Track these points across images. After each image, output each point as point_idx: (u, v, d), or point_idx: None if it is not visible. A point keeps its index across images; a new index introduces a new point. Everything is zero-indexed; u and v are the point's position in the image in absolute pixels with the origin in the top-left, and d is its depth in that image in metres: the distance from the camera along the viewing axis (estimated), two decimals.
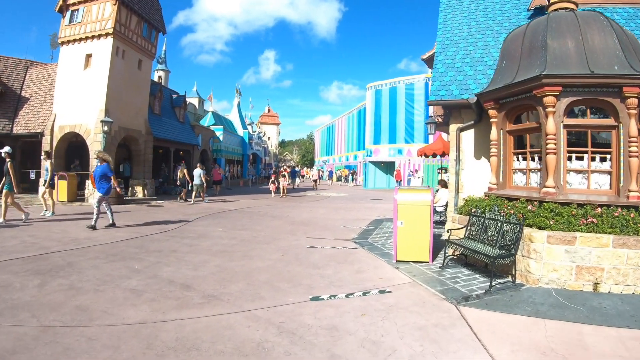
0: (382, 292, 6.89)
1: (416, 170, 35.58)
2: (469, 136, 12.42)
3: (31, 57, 28.47)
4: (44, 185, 15.09)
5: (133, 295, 6.35)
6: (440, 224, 13.98)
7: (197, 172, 23.10)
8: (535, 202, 8.23)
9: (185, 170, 23.84)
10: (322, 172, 53.38)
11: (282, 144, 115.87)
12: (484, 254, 7.56)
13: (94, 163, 21.09)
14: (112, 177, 13.19)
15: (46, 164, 15.12)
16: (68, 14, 22.54)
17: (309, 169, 68.25)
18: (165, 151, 31.33)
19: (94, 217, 12.51)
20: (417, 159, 37.00)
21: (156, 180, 27.89)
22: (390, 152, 39.46)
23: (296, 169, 53.72)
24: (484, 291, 7.02)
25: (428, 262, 9.01)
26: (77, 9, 22.32)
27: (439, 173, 37.39)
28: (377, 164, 41.59)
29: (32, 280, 6.92)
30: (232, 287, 6.86)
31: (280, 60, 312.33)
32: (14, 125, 24.06)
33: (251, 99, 66.85)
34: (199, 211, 18.08)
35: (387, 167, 42.01)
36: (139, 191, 24.56)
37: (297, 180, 44.68)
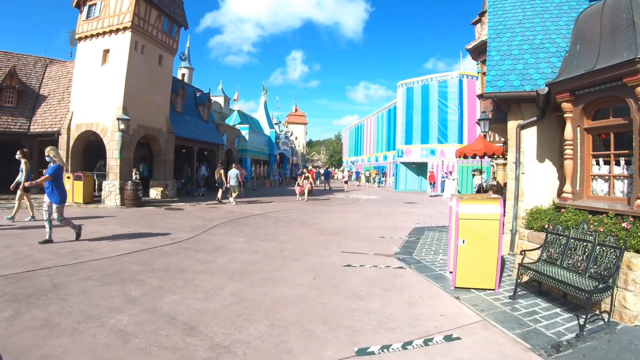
0: (448, 338, 5.10)
1: (450, 172, 33.51)
2: (530, 135, 10.68)
3: (52, 56, 27.61)
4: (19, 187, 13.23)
5: (118, 341, 4.66)
6: None
7: (234, 172, 22.44)
8: (630, 218, 6.37)
9: (222, 171, 23.24)
10: (351, 172, 51.45)
11: (310, 144, 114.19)
12: (574, 287, 5.72)
13: (111, 163, 19.83)
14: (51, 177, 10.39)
15: (21, 164, 13.17)
16: (85, 8, 21.27)
17: (338, 170, 66.42)
18: (189, 151, 29.96)
19: (72, 230, 10.85)
20: (451, 160, 34.93)
21: (178, 181, 26.49)
22: (423, 152, 37.38)
23: (329, 170, 52.00)
24: (574, 335, 5.28)
25: (494, 290, 7.18)
26: (95, 3, 21.03)
27: (473, 175, 35.41)
28: (408, 164, 39.59)
29: (4, 310, 5.42)
30: (250, 331, 5.11)
31: (307, 60, 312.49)
32: (31, 124, 22.97)
33: (278, 98, 65.25)
34: (220, 216, 16.50)
35: (419, 168, 39.92)
36: (159, 192, 23.17)
37: (327, 183, 43.41)
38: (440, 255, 10.08)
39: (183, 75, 42.36)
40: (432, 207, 23.03)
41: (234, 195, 22.09)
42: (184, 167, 29.62)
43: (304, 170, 24.78)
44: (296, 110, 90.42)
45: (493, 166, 38.05)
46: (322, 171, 54.36)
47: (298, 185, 25.02)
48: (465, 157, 22.59)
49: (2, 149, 25.16)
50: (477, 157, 22.97)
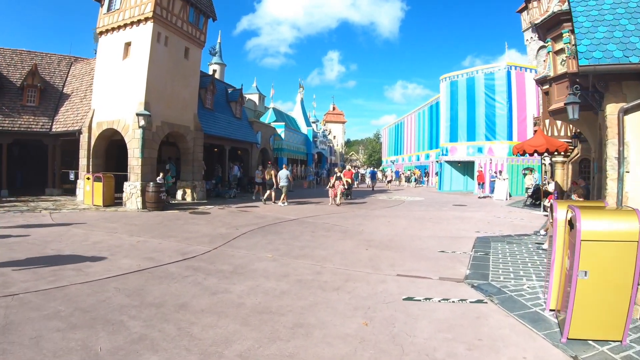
0: None
1: (500, 172, 30.54)
2: (636, 122, 8.12)
3: (78, 54, 26.28)
4: None
5: None
6: None
7: (284, 173, 21.57)
8: None
9: (273, 172, 22.01)
10: (392, 172, 48.77)
11: (348, 144, 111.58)
12: None
13: (132, 163, 18.01)
14: None
15: None
16: (106, 1, 19.57)
17: (378, 170, 63.73)
18: (220, 150, 28.02)
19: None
20: (500, 158, 31.95)
21: (208, 182, 24.54)
22: (469, 150, 34.31)
23: (375, 170, 49.32)
24: None
25: (620, 342, 4.77)
26: None
27: (524, 175, 32.37)
28: (453, 163, 36.56)
29: None
30: None
31: (344, 60, 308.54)
32: (54, 123, 21.53)
33: (315, 96, 62.78)
34: (249, 221, 14.29)
35: (465, 167, 36.89)
36: (187, 194, 21.24)
37: (372, 182, 40.85)
38: (524, 280, 7.59)
39: (214, 71, 40.48)
40: (486, 210, 20.31)
41: (283, 196, 20.87)
42: (215, 167, 27.72)
43: (336, 170, 22.14)
44: (334, 108, 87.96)
45: (545, 164, 35.02)
46: (362, 171, 52.01)
47: (330, 187, 22.09)
48: (526, 154, 19.91)
49: (25, 149, 23.87)
50: (536, 154, 20.31)
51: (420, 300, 6.31)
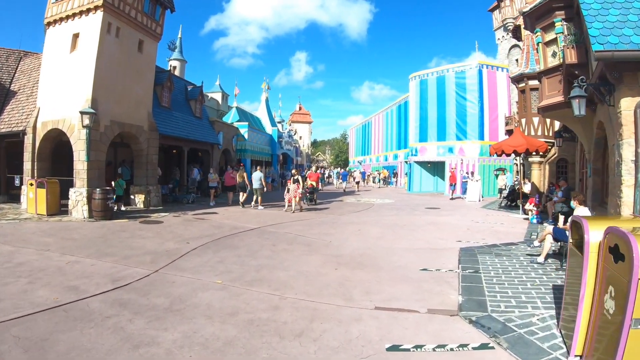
0: None
1: (472, 172, 29.50)
2: None
3: (30, 48, 24.06)
4: None
5: None
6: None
7: (257, 175, 20.90)
8: None
9: (245, 174, 21.41)
10: (359, 173, 47.35)
11: (315, 144, 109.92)
12: None
13: (78, 167, 16.10)
14: None
15: None
16: None
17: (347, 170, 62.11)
18: (178, 151, 26.07)
19: None
20: (472, 158, 30.93)
21: (164, 186, 22.59)
22: (439, 150, 33.14)
23: (346, 171, 47.84)
24: None
25: None
26: None
27: (496, 175, 31.44)
28: (423, 164, 35.36)
29: None
30: None
31: (312, 61, 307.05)
32: None
33: (280, 95, 60.30)
34: (203, 232, 12.58)
35: (435, 168, 35.77)
36: (141, 200, 19.32)
37: (344, 184, 40.29)
38: (529, 308, 6.21)
39: (174, 68, 38.45)
40: (461, 214, 19.04)
41: (258, 199, 20.40)
42: (173, 170, 25.74)
43: (293, 171, 20.21)
44: (300, 108, 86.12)
45: (517, 165, 34.18)
46: (329, 172, 50.64)
47: (287, 192, 19.59)
48: (504, 154, 18.76)
49: None
50: (512, 155, 19.20)
51: (409, 349, 4.79)
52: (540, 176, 20.63)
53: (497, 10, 36.92)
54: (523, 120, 21.69)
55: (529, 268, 8.78)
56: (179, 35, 41.63)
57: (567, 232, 9.14)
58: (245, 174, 21.61)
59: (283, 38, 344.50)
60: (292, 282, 7.48)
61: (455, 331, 5.40)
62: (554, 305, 6.28)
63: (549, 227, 9.51)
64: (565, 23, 11.04)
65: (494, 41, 38.88)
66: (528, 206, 16.65)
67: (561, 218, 9.98)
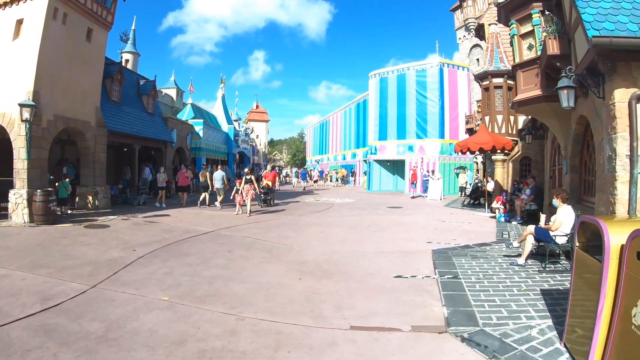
0: None
1: (432, 171, 28.97)
2: None
3: None
4: None
5: None
6: (556, 271, 8.08)
7: (219, 174, 20.02)
8: None
9: (207, 173, 21.18)
10: (317, 172, 46.39)
11: (272, 143, 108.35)
12: None
13: (18, 166, 14.52)
14: None
15: None
16: None
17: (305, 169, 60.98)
18: (130, 150, 24.44)
19: None
20: (432, 156, 30.46)
21: (114, 187, 21.00)
22: (399, 149, 32.64)
23: (305, 170, 46.81)
24: None
25: None
26: None
27: (456, 174, 31.10)
28: (382, 162, 34.81)
29: None
30: None
31: (270, 60, 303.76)
32: None
33: (237, 92, 58.46)
34: (152, 238, 11.26)
35: (395, 167, 35.26)
36: (89, 202, 17.72)
37: (304, 183, 39.61)
38: (523, 319, 5.50)
39: (126, 61, 36.32)
40: (425, 213, 18.34)
41: (220, 198, 19.67)
42: (124, 170, 24.07)
43: (245, 170, 18.44)
44: (257, 106, 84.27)
45: (477, 163, 33.95)
46: (287, 171, 49.70)
47: (237, 192, 17.41)
48: (470, 152, 18.15)
49: None
50: (471, 152, 18.64)
51: None
52: (503, 174, 20.18)
53: (459, 10, 36.69)
54: (487, 118, 21.19)
55: (510, 271, 8.09)
56: (133, 27, 39.67)
57: (550, 233, 8.45)
58: (208, 174, 21.14)
59: (242, 37, 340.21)
60: (251, 297, 6.38)
61: (448, 353, 4.50)
62: (549, 314, 5.62)
63: (530, 227, 8.76)
64: (542, 15, 10.41)
65: (454, 41, 38.86)
66: (495, 204, 16.08)
67: (542, 217, 9.25)
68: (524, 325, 5.26)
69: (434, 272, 7.96)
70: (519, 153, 20.68)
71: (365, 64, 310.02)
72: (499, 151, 18.48)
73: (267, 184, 21.72)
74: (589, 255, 4.38)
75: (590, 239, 4.58)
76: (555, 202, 8.71)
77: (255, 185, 17.26)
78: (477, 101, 33.14)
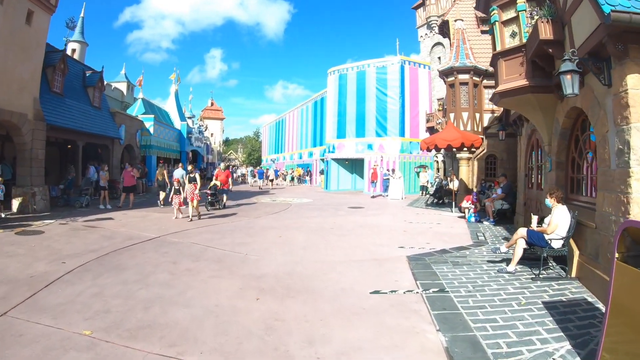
0: None
1: (393, 170, 27.93)
2: None
3: None
4: None
5: None
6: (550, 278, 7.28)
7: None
8: None
9: (165, 172, 19.88)
10: (272, 171, 44.79)
11: (227, 143, 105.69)
12: None
13: None
14: None
15: None
16: None
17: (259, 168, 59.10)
18: (73, 146, 22.28)
19: None
20: (392, 155, 29.43)
21: (55, 187, 18.93)
22: (358, 147, 31.42)
23: (262, 169, 45.72)
24: None
25: None
26: None
27: (417, 172, 30.25)
28: (340, 161, 33.59)
29: None
30: None
31: (227, 59, 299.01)
32: None
33: (192, 89, 55.67)
34: (89, 246, 9.54)
35: (353, 165, 34.20)
36: (23, 204, 15.66)
37: (260, 182, 39.20)
38: (536, 342, 4.55)
39: (73, 50, 33.80)
40: (390, 213, 17.23)
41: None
42: (69, 168, 21.84)
43: (189, 168, 16.38)
44: (212, 104, 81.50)
45: (437, 162, 33.27)
46: (242, 171, 48.28)
47: (176, 194, 14.98)
48: (436, 149, 17.15)
49: None
50: (440, 150, 17.66)
51: None
52: (468, 172, 19.31)
53: (422, 7, 35.93)
54: (452, 115, 20.30)
55: (501, 280, 7.09)
56: (82, 15, 36.86)
57: (545, 236, 7.41)
58: (165, 172, 19.96)
59: (199, 34, 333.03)
60: (197, 328, 4.90)
61: None
62: (563, 335, 4.76)
63: (521, 231, 7.69)
64: (528, 0, 9.40)
65: (414, 41, 38.24)
66: (465, 204, 15.10)
67: (534, 219, 8.15)
68: (541, 351, 4.27)
69: (415, 285, 6.75)
70: (484, 151, 19.90)
71: (322, 64, 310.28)
72: (465, 149, 17.58)
73: (217, 184, 19.19)
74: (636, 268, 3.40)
75: (632, 249, 3.61)
76: (549, 201, 7.68)
77: (199, 184, 15.05)
78: (438, 99, 32.58)
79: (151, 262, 8.16)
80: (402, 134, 29.72)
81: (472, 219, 14.61)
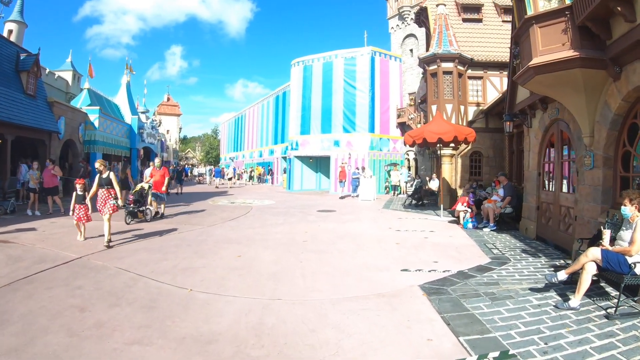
0: None
1: (362, 168, 25.35)
2: None
3: None
4: None
5: None
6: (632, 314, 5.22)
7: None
8: None
9: (128, 171, 17.52)
10: (231, 169, 41.62)
11: (185, 141, 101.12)
12: None
13: None
14: None
15: None
16: None
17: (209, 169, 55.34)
18: (2, 141, 18.63)
19: None
20: (361, 152, 26.84)
21: None
22: (324, 143, 28.67)
23: (219, 168, 42.45)
24: None
25: None
26: None
27: (387, 171, 27.81)
28: (304, 159, 30.86)
29: None
30: None
31: (187, 56, 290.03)
32: None
33: (146, 81, 51.18)
34: None
35: (318, 163, 31.55)
36: None
37: (217, 181, 36.36)
38: None
39: (10, 31, 29.91)
40: (369, 218, 14.58)
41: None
42: None
43: (97, 165, 9.98)
44: (168, 99, 76.75)
45: (408, 160, 30.94)
46: (201, 170, 45.66)
47: (79, 204, 10.03)
48: (420, 144, 14.66)
49: None
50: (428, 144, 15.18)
51: None
52: (451, 171, 16.90)
53: None
54: (434, 107, 17.88)
55: (569, 323, 4.86)
56: None
57: (628, 260, 5.02)
58: (129, 171, 17.98)
59: (160, 30, 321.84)
60: None
61: None
62: None
63: (594, 252, 5.22)
64: None
65: (385, 32, 35.76)
66: (460, 207, 12.61)
67: (606, 234, 5.65)
68: None
69: (461, 347, 4.12)
70: (469, 147, 17.60)
71: (285, 62, 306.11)
72: (452, 145, 15.21)
73: (144, 187, 13.75)
74: None
75: None
76: (628, 210, 5.22)
77: (117, 190, 9.89)
78: (409, 94, 30.20)
79: (51, 309, 5.12)
80: (371, 129, 27.16)
81: (470, 225, 12.15)
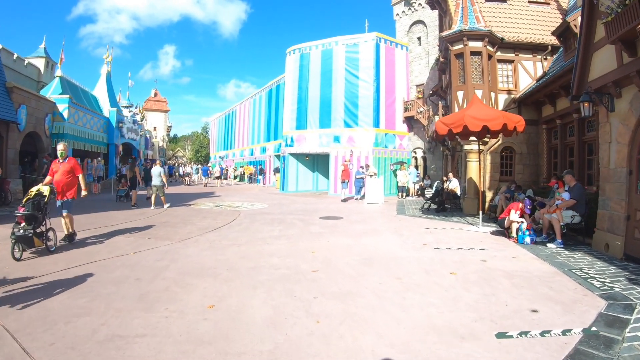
0: None
1: (367, 166, 22.16)
2: None
3: None
4: None
5: None
6: None
7: (157, 170, 16.34)
8: None
9: (137, 169, 17.98)
10: (218, 168, 38.28)
11: (175, 140, 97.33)
12: None
13: None
14: None
15: None
16: None
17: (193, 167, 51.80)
18: None
19: None
20: (364, 149, 23.61)
21: None
22: (322, 139, 25.37)
23: (207, 167, 40.64)
24: None
25: None
26: None
27: (393, 170, 24.62)
28: (300, 157, 27.55)
29: None
30: None
31: (180, 56, 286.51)
32: None
33: (130, 74, 47.64)
34: None
35: (315, 162, 28.37)
36: None
37: (205, 179, 35.94)
38: None
39: None
40: (387, 229, 11.40)
41: (162, 198, 16.26)
42: None
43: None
44: (156, 94, 72.49)
45: (416, 158, 27.84)
46: (188, 169, 43.47)
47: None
48: (462, 134, 11.51)
49: None
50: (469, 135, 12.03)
51: None
52: (479, 170, 13.71)
53: (402, 2, 30.32)
54: (460, 94, 14.72)
55: None
56: None
57: None
58: (137, 169, 18.21)
59: (154, 30, 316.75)
60: None
61: None
62: None
63: None
64: None
65: (389, 20, 32.78)
66: (513, 216, 9.45)
67: None
68: None
69: None
70: (499, 142, 14.52)
71: (278, 61, 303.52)
72: (488, 137, 12.09)
73: (43, 192, 8.12)
74: None
75: None
76: None
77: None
78: (416, 85, 27.13)
79: None
80: (376, 124, 23.97)
81: (527, 239, 9.04)
